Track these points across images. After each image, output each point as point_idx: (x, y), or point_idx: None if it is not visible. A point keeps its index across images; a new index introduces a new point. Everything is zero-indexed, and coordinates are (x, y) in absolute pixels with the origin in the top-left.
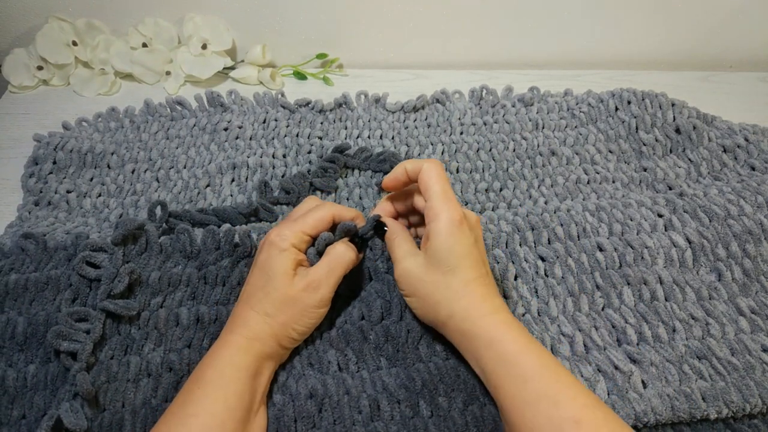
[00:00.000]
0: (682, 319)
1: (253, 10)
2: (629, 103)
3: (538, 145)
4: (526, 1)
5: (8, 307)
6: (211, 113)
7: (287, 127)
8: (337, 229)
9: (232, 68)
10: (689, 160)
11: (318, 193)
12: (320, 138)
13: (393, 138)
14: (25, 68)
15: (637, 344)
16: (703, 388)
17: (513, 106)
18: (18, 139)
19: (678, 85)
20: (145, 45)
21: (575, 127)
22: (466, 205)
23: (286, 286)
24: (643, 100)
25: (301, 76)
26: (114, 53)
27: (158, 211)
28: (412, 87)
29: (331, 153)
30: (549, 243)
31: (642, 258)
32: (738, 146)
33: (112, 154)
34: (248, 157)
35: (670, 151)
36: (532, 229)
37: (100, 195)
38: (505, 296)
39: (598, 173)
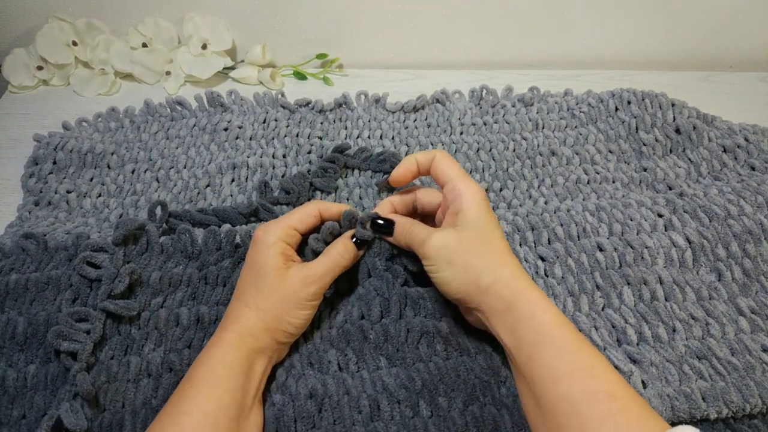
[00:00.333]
0: (682, 319)
1: (253, 10)
2: (629, 103)
3: (538, 145)
4: (526, 1)
5: (8, 307)
6: (211, 113)
7: (287, 127)
8: (342, 217)
9: (232, 68)
10: (689, 160)
11: (318, 193)
12: (320, 138)
13: (393, 138)
14: (25, 68)
15: (637, 344)
16: (703, 388)
17: (513, 106)
18: (18, 139)
19: (678, 85)
20: (145, 45)
21: (575, 127)
22: None
23: (278, 280)
24: (643, 100)
25: (301, 76)
26: (114, 53)
27: (158, 211)
28: (412, 87)
29: (331, 153)
30: (549, 243)
31: (642, 258)
32: (738, 146)
33: (112, 154)
34: (248, 157)
35: (670, 151)
36: (532, 229)
37: (100, 195)
38: None
39: (598, 173)
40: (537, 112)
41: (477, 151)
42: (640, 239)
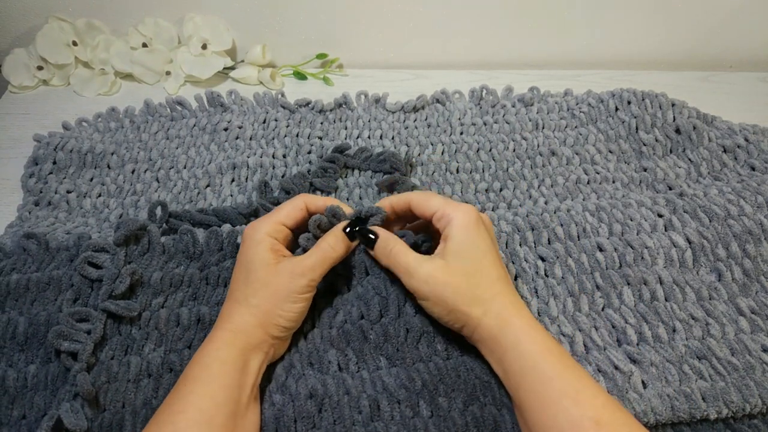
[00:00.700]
0: (682, 320)
1: (253, 10)
2: (629, 103)
3: (538, 146)
4: (526, 1)
5: (9, 307)
6: (211, 113)
7: (287, 127)
8: (325, 212)
9: (232, 68)
10: (689, 160)
11: (318, 193)
12: (320, 138)
13: (393, 138)
14: (25, 68)
15: (637, 344)
16: (703, 388)
17: (513, 106)
18: (18, 139)
19: (678, 85)
20: (145, 45)
21: (575, 127)
22: None
23: (267, 275)
24: (643, 100)
25: (301, 76)
26: (114, 53)
27: (158, 211)
28: (412, 87)
29: (331, 153)
30: (549, 243)
31: (642, 258)
32: (738, 146)
33: (112, 154)
34: (248, 157)
35: (670, 151)
36: (532, 230)
37: (100, 195)
38: None
39: (598, 173)
40: (537, 112)
41: (477, 151)
42: (640, 239)
